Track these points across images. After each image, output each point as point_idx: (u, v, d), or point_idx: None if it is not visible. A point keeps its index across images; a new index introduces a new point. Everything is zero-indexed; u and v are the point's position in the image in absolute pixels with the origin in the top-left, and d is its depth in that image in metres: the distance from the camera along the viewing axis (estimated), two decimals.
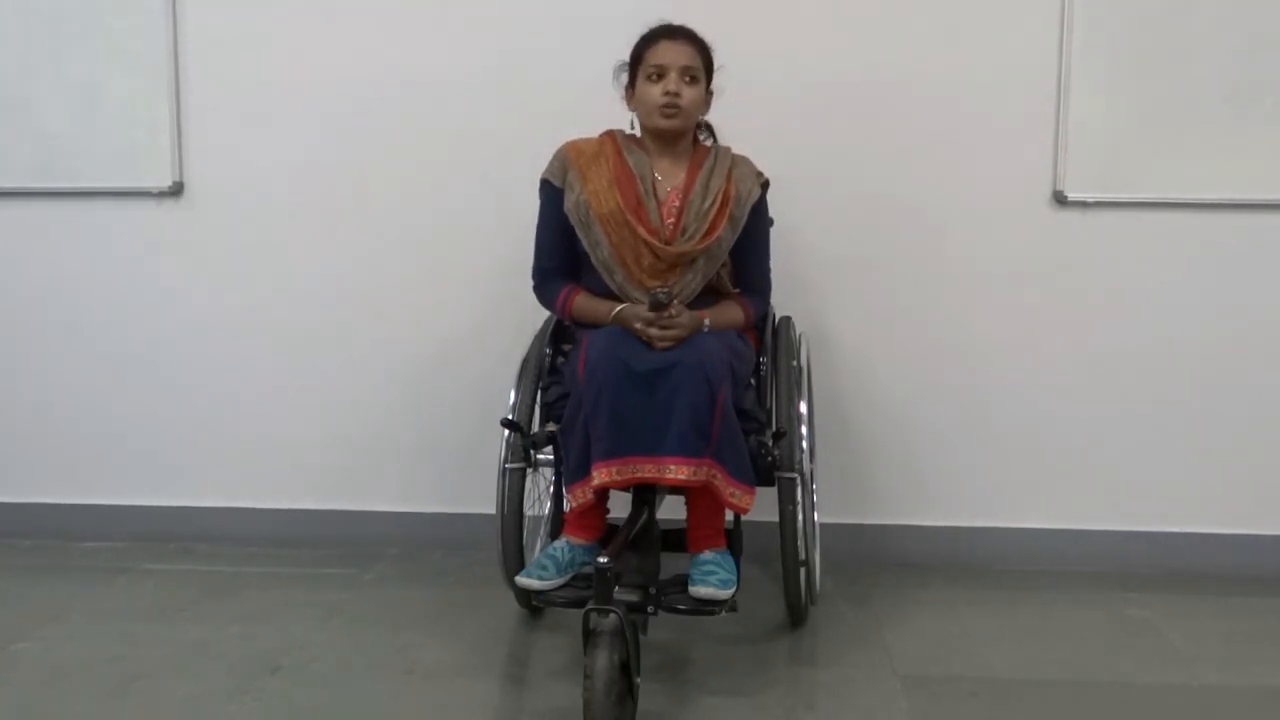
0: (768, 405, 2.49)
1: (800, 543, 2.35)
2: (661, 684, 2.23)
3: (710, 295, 2.41)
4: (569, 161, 2.39)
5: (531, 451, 2.34)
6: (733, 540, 2.27)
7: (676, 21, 2.38)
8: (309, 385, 3.06)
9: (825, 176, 2.88)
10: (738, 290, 2.48)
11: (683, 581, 2.15)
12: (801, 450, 2.36)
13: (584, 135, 2.44)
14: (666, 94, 2.31)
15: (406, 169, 2.97)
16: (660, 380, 2.13)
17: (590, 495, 2.18)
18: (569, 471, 2.21)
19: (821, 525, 2.71)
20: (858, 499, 2.97)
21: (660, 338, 2.20)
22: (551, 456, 2.34)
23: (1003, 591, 2.79)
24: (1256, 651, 2.45)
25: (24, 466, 3.14)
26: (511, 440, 2.36)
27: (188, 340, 3.06)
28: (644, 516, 2.21)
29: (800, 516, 2.34)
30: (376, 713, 2.15)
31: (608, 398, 2.11)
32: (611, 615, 1.91)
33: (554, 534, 2.33)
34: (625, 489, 2.19)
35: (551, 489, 2.49)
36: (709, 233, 2.33)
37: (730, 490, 2.17)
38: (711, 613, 2.12)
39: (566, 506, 2.25)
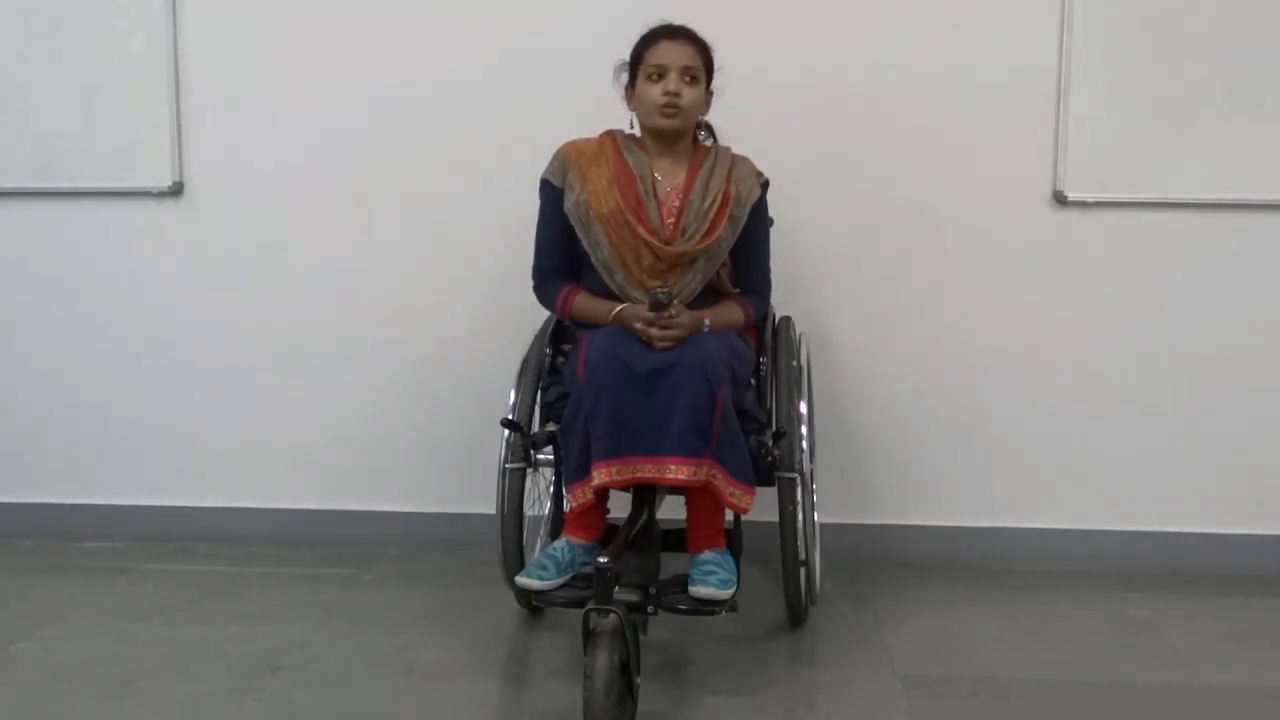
0: (768, 405, 2.49)
1: (800, 543, 2.35)
2: (661, 684, 2.23)
3: (710, 295, 2.41)
4: (569, 161, 2.39)
5: (531, 451, 2.34)
6: (733, 540, 2.27)
7: (676, 21, 2.38)
8: (309, 385, 3.06)
9: (825, 176, 2.88)
10: (738, 290, 2.48)
11: (683, 581, 2.15)
12: (801, 450, 2.36)
13: (584, 135, 2.44)
14: (666, 94, 2.31)
15: (406, 169, 2.97)
16: (660, 380, 2.13)
17: (590, 495, 2.18)
18: (569, 471, 2.21)
19: (821, 525, 2.71)
20: (858, 499, 2.97)
21: (660, 338, 2.20)
22: (551, 456, 2.34)
23: (1003, 591, 2.79)
24: (1256, 651, 2.45)
25: (24, 466, 3.14)
26: (511, 440, 2.36)
27: (188, 340, 3.06)
28: (644, 516, 2.21)
29: (800, 516, 2.34)
30: (376, 713, 2.15)
31: (608, 398, 2.11)
32: (611, 615, 1.91)
33: (554, 534, 2.33)
34: (625, 489, 2.19)
35: (551, 489, 2.49)
36: (709, 233, 2.33)
37: (730, 490, 2.17)
38: (711, 613, 2.12)
39: (566, 506, 2.25)
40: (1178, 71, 2.80)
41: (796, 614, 2.49)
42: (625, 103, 2.42)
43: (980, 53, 2.84)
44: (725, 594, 2.11)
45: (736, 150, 2.46)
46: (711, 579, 2.13)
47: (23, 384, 3.12)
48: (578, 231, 2.36)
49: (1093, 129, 2.82)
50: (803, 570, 2.41)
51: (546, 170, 2.41)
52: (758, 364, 2.49)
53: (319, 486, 3.07)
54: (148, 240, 3.05)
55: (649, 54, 2.34)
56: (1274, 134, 2.80)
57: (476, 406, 2.87)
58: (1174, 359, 2.89)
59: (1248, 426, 2.89)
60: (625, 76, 2.41)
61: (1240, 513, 2.91)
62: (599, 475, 2.12)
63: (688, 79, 2.33)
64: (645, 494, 2.23)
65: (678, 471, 2.10)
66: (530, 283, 2.48)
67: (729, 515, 2.26)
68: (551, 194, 2.40)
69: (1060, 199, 2.85)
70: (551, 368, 2.49)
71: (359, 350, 3.04)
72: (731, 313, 2.42)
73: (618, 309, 2.29)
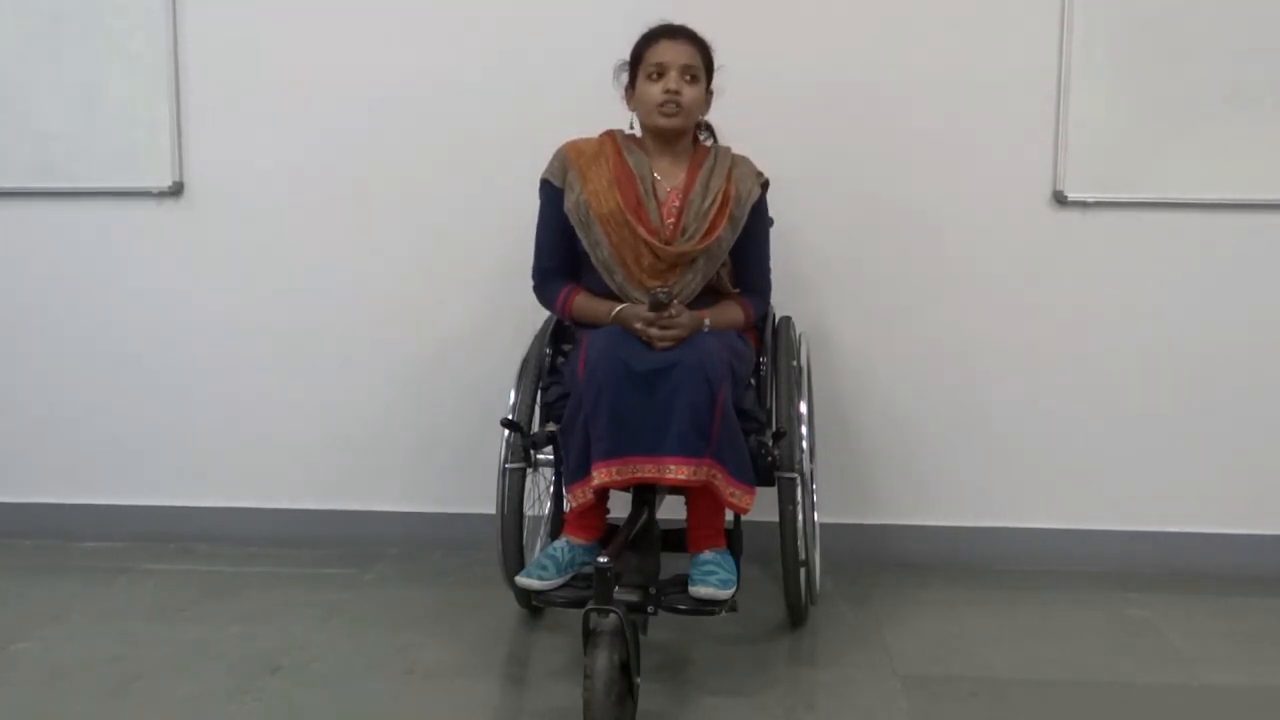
0: (768, 405, 2.49)
1: (800, 543, 2.35)
2: (661, 684, 2.23)
3: (710, 295, 2.41)
4: (569, 161, 2.39)
5: (531, 451, 2.34)
6: (733, 540, 2.27)
7: (676, 21, 2.38)
8: (309, 385, 3.06)
9: (825, 176, 2.88)
10: (738, 290, 2.48)
11: (683, 581, 2.15)
12: (801, 450, 2.36)
13: (584, 135, 2.44)
14: (667, 92, 2.31)
15: (406, 169, 2.97)
16: (660, 380, 2.13)
17: (590, 495, 2.18)
18: (569, 471, 2.21)
19: (821, 525, 2.71)
20: (858, 499, 2.97)
21: (660, 338, 2.20)
22: (551, 456, 2.34)
23: (1003, 591, 2.79)
24: (1256, 651, 2.45)
25: (24, 466, 3.14)
26: (511, 440, 2.36)
27: (188, 340, 3.06)
28: (644, 516, 2.21)
29: (800, 516, 2.34)
30: (376, 713, 2.15)
31: (608, 398, 2.11)
32: (611, 615, 1.91)
33: (554, 534, 2.33)
34: (625, 489, 2.19)
35: (551, 489, 2.49)
36: (709, 233, 2.33)
37: (730, 490, 2.17)
38: (711, 613, 2.12)
39: (566, 506, 2.25)
40: (1178, 71, 2.80)
41: (796, 614, 2.49)
42: (625, 103, 2.42)
43: (980, 53, 2.84)
44: (725, 594, 2.11)
45: (736, 150, 2.46)
46: (711, 579, 2.13)
47: (23, 384, 3.12)
48: (578, 231, 2.36)
49: (1093, 129, 2.82)
50: (803, 570, 2.41)
51: (546, 170, 2.41)
52: (758, 364, 2.48)
53: (319, 486, 3.07)
54: (148, 240, 3.05)
55: (649, 53, 2.34)
56: (1274, 134, 2.80)
57: (476, 406, 2.87)
58: (1174, 359, 2.89)
59: (1248, 426, 2.89)
60: (625, 76, 2.41)
61: (1240, 513, 2.91)
62: (599, 475, 2.12)
63: (688, 78, 2.33)
64: (645, 494, 2.23)
65: (678, 471, 2.10)
66: (530, 283, 2.48)
67: (729, 515, 2.26)
68: (551, 194, 2.40)
69: (1060, 199, 2.85)
70: (551, 368, 2.49)
71: (359, 350, 3.04)
72: (731, 313, 2.42)
73: (618, 309, 2.29)
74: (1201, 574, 2.87)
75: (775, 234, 2.53)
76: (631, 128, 2.43)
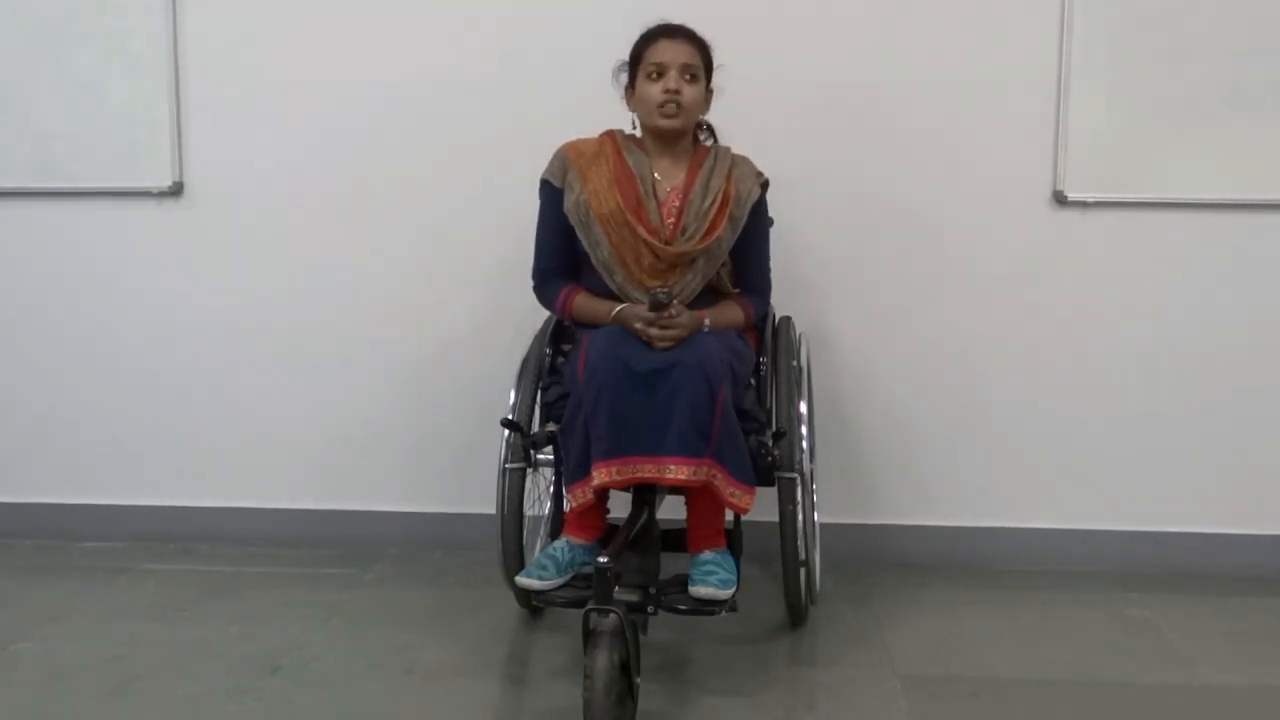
0: (768, 405, 2.49)
1: (800, 543, 2.35)
2: (661, 684, 2.23)
3: (710, 295, 2.41)
4: (569, 162, 2.39)
5: (531, 451, 2.34)
6: (733, 540, 2.27)
7: (676, 21, 2.38)
8: (309, 385, 3.06)
9: (825, 176, 2.88)
10: (738, 290, 2.48)
11: (683, 581, 2.15)
12: (801, 450, 2.36)
13: (584, 135, 2.44)
14: (666, 92, 2.31)
15: (406, 169, 2.97)
16: (660, 380, 2.12)
17: (590, 495, 2.18)
18: (569, 471, 2.21)
19: (821, 525, 2.71)
20: (858, 499, 2.97)
21: (660, 338, 2.20)
22: (551, 456, 2.34)
23: (1003, 591, 2.79)
24: (1256, 651, 2.45)
25: (24, 466, 3.14)
26: (511, 440, 2.36)
27: (188, 340, 3.06)
28: (644, 516, 2.21)
29: (800, 516, 2.34)
30: (376, 713, 2.15)
31: (608, 398, 2.11)
32: (611, 615, 1.91)
33: (554, 534, 2.33)
34: (625, 489, 2.19)
35: (551, 489, 2.49)
36: (709, 233, 2.33)
37: (730, 490, 2.17)
38: (711, 613, 2.12)
39: (566, 506, 2.25)
40: (1178, 71, 2.80)
41: (796, 614, 2.49)
42: (625, 103, 2.42)
43: (980, 53, 2.84)
44: (725, 594, 2.11)
45: (736, 150, 2.46)
46: (711, 579, 2.13)
47: (23, 384, 3.12)
48: (578, 232, 2.36)
49: (1093, 129, 2.82)
50: (803, 570, 2.40)
51: (546, 170, 2.41)
52: (758, 364, 2.48)
53: (319, 486, 3.07)
54: (148, 240, 3.05)
55: (648, 53, 2.34)
56: (1274, 134, 2.80)
57: (476, 406, 2.87)
58: (1174, 359, 2.89)
59: (1248, 426, 2.89)
60: (625, 77, 2.41)
61: (1240, 513, 2.91)
62: (599, 475, 2.12)
63: (687, 77, 2.33)
64: (645, 494, 2.23)
65: (678, 471, 2.10)
66: (530, 283, 2.48)
67: (729, 515, 2.26)
68: (551, 194, 2.40)
69: (1060, 199, 2.85)
70: (551, 368, 2.49)
71: (359, 350, 3.04)
72: (731, 313, 2.42)
73: (618, 309, 2.29)
74: (1201, 574, 2.87)
75: (775, 234, 2.53)
76: (632, 128, 2.43)
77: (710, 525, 2.25)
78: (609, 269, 2.34)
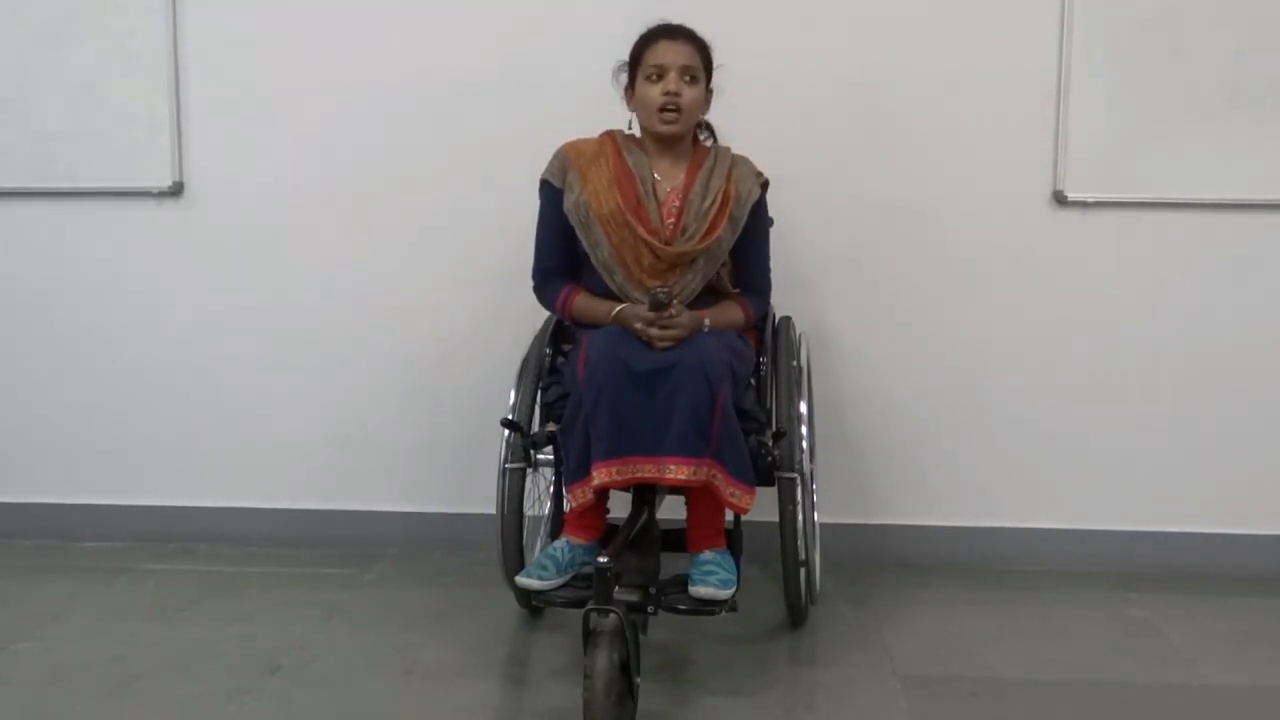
0: (768, 405, 2.49)
1: (800, 543, 2.35)
2: (661, 684, 2.23)
3: (710, 295, 2.41)
4: (568, 162, 2.39)
5: (531, 451, 2.34)
6: (733, 540, 2.27)
7: (676, 21, 2.38)
8: (309, 385, 3.05)
9: (825, 176, 2.88)
10: (738, 290, 2.48)
11: (683, 581, 2.15)
12: (801, 450, 2.36)
13: (584, 135, 2.44)
14: (666, 94, 2.31)
15: (406, 169, 2.97)
16: (660, 380, 2.12)
17: (590, 495, 2.18)
18: (569, 471, 2.21)
19: (821, 525, 2.71)
20: (858, 499, 2.97)
21: (660, 338, 2.20)
22: (551, 456, 2.34)
23: (1003, 591, 2.79)
24: (1256, 651, 2.45)
25: (24, 466, 3.14)
26: (511, 440, 2.36)
27: (187, 340, 3.06)
28: (644, 516, 2.21)
29: (800, 516, 2.34)
30: (376, 713, 2.15)
31: (608, 398, 2.11)
32: (611, 615, 1.91)
33: (554, 534, 2.33)
34: (625, 489, 2.19)
35: (551, 489, 2.49)
36: (709, 233, 2.33)
37: (730, 490, 2.17)
38: (711, 613, 2.12)
39: (566, 506, 2.25)
40: (1178, 71, 2.80)
41: (796, 614, 2.49)
42: (625, 104, 2.42)
43: (980, 53, 2.84)
44: (725, 594, 2.11)
45: (736, 150, 2.45)
46: (711, 579, 2.13)
47: (23, 384, 3.12)
48: (578, 232, 2.35)
49: (1093, 129, 2.82)
50: (803, 570, 2.40)
51: (546, 170, 2.41)
52: (758, 364, 2.48)
53: (319, 486, 3.07)
54: (148, 240, 3.05)
55: (648, 54, 2.34)
56: (1274, 134, 2.80)
57: (477, 407, 2.87)
58: (1174, 359, 2.89)
59: (1248, 426, 2.89)
60: (625, 77, 2.41)
61: (1240, 513, 2.91)
62: (599, 475, 2.12)
63: (687, 79, 2.33)
64: (645, 494, 2.23)
65: (678, 471, 2.10)
66: (530, 283, 2.48)
67: (729, 515, 2.26)
68: (551, 194, 2.40)
69: (1060, 199, 2.85)
70: (551, 368, 2.49)
71: (359, 350, 3.03)
72: (731, 313, 2.42)
73: (618, 309, 2.29)
74: (1201, 574, 2.87)
75: (775, 234, 2.53)
76: (631, 128, 2.43)
77: (710, 525, 2.25)
78: (609, 269, 2.34)
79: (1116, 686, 2.27)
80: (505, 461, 2.36)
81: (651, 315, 2.21)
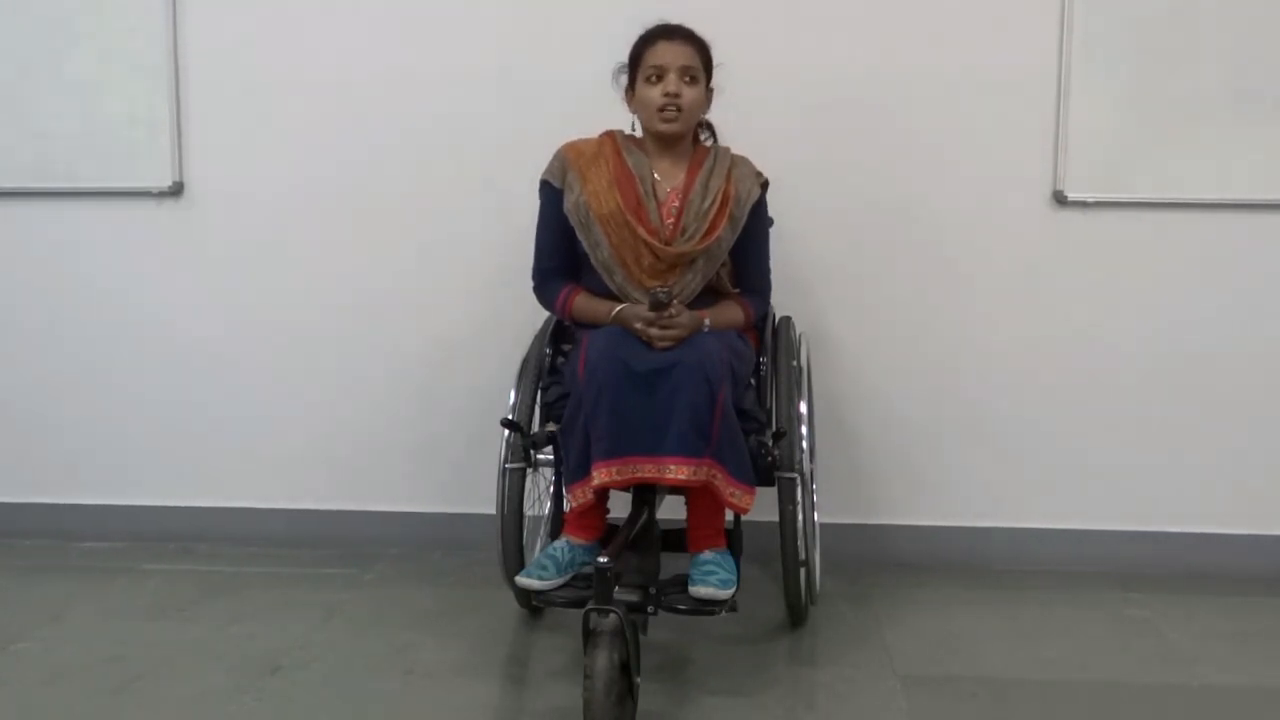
0: (768, 405, 2.49)
1: (800, 543, 2.35)
2: (661, 684, 2.23)
3: (710, 295, 2.41)
4: (568, 162, 2.39)
5: (531, 451, 2.34)
6: (733, 540, 2.27)
7: (675, 21, 2.37)
8: (309, 385, 3.06)
9: (825, 176, 2.88)
10: (738, 290, 2.48)
11: (683, 581, 2.15)
12: (801, 450, 2.36)
13: (584, 136, 2.44)
14: (666, 95, 2.31)
15: (406, 169, 2.97)
16: (660, 380, 2.13)
17: (590, 495, 2.18)
18: (569, 471, 2.21)
19: (821, 525, 2.71)
20: (857, 499, 2.97)
21: (660, 338, 2.20)
22: (551, 456, 2.34)
23: (1003, 591, 2.79)
24: (1257, 651, 2.45)
25: (24, 466, 3.14)
26: (511, 440, 2.36)
27: (188, 340, 3.06)
28: (644, 516, 2.21)
29: (800, 516, 2.34)
30: (376, 713, 2.15)
31: (608, 398, 2.11)
32: (611, 615, 1.91)
33: (554, 534, 2.33)
34: (625, 489, 2.19)
35: (551, 489, 2.49)
36: (709, 233, 2.33)
37: (730, 490, 2.17)
38: (711, 613, 2.12)
39: (566, 506, 2.25)
40: (1178, 71, 2.80)
41: (796, 614, 2.49)
42: (625, 105, 2.41)
43: (980, 53, 2.84)
44: (725, 594, 2.11)
45: (736, 150, 2.45)
46: (711, 579, 2.13)
47: (23, 384, 3.12)
48: (577, 232, 2.35)
49: (1093, 129, 2.82)
50: (803, 570, 2.41)
51: (546, 171, 2.41)
52: (758, 364, 2.48)
53: (319, 486, 3.07)
54: (148, 240, 3.05)
55: (647, 55, 2.34)
56: (1274, 134, 2.80)
57: (477, 406, 2.87)
58: (1174, 359, 2.89)
59: (1248, 426, 2.89)
60: (625, 78, 2.41)
61: (1240, 513, 2.91)
62: (599, 475, 2.12)
63: (687, 79, 2.32)
64: (645, 494, 2.23)
65: (678, 471, 2.10)
66: (530, 283, 2.48)
67: (729, 515, 2.26)
68: (551, 194, 2.40)
69: (1060, 199, 2.85)
70: (551, 368, 2.49)
71: (359, 350, 3.04)
72: (731, 313, 2.42)
73: (618, 309, 2.29)
74: (1201, 574, 2.87)
75: (775, 234, 2.53)
76: (632, 128, 2.43)
77: (710, 525, 2.25)
78: (609, 269, 2.34)
79: (1116, 686, 2.27)
80: (505, 461, 2.36)
81: (651, 315, 2.21)
